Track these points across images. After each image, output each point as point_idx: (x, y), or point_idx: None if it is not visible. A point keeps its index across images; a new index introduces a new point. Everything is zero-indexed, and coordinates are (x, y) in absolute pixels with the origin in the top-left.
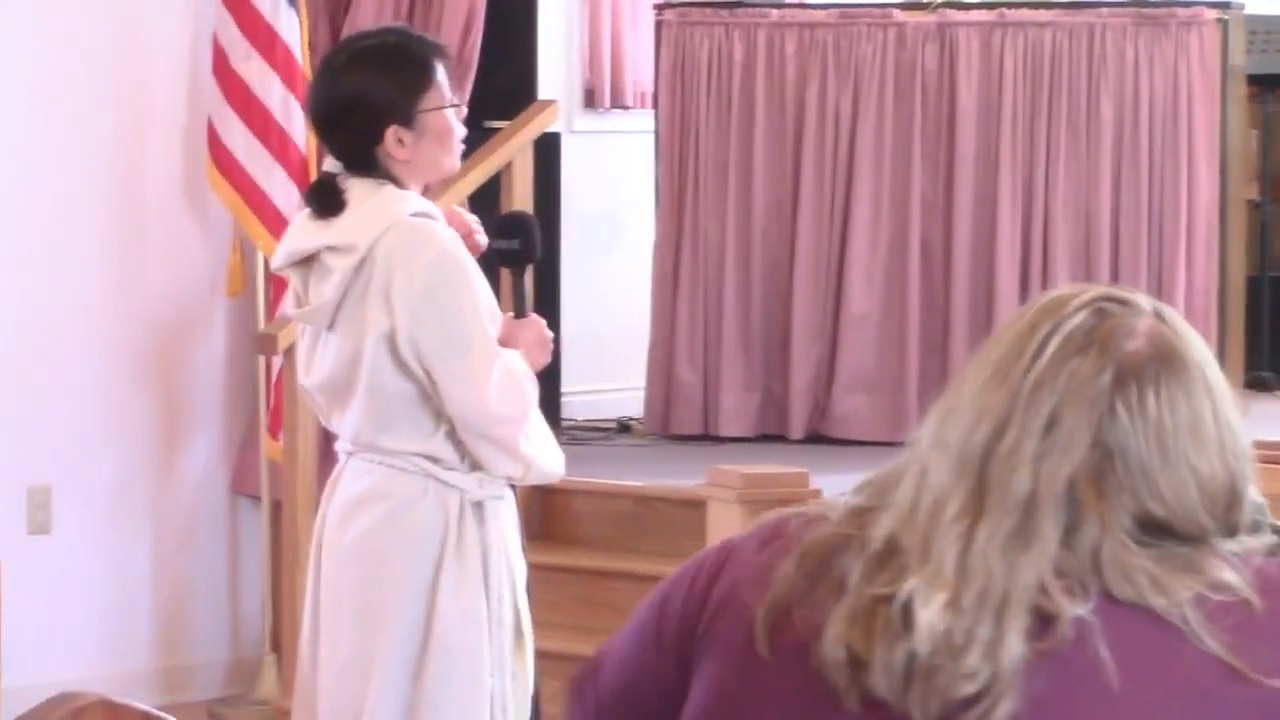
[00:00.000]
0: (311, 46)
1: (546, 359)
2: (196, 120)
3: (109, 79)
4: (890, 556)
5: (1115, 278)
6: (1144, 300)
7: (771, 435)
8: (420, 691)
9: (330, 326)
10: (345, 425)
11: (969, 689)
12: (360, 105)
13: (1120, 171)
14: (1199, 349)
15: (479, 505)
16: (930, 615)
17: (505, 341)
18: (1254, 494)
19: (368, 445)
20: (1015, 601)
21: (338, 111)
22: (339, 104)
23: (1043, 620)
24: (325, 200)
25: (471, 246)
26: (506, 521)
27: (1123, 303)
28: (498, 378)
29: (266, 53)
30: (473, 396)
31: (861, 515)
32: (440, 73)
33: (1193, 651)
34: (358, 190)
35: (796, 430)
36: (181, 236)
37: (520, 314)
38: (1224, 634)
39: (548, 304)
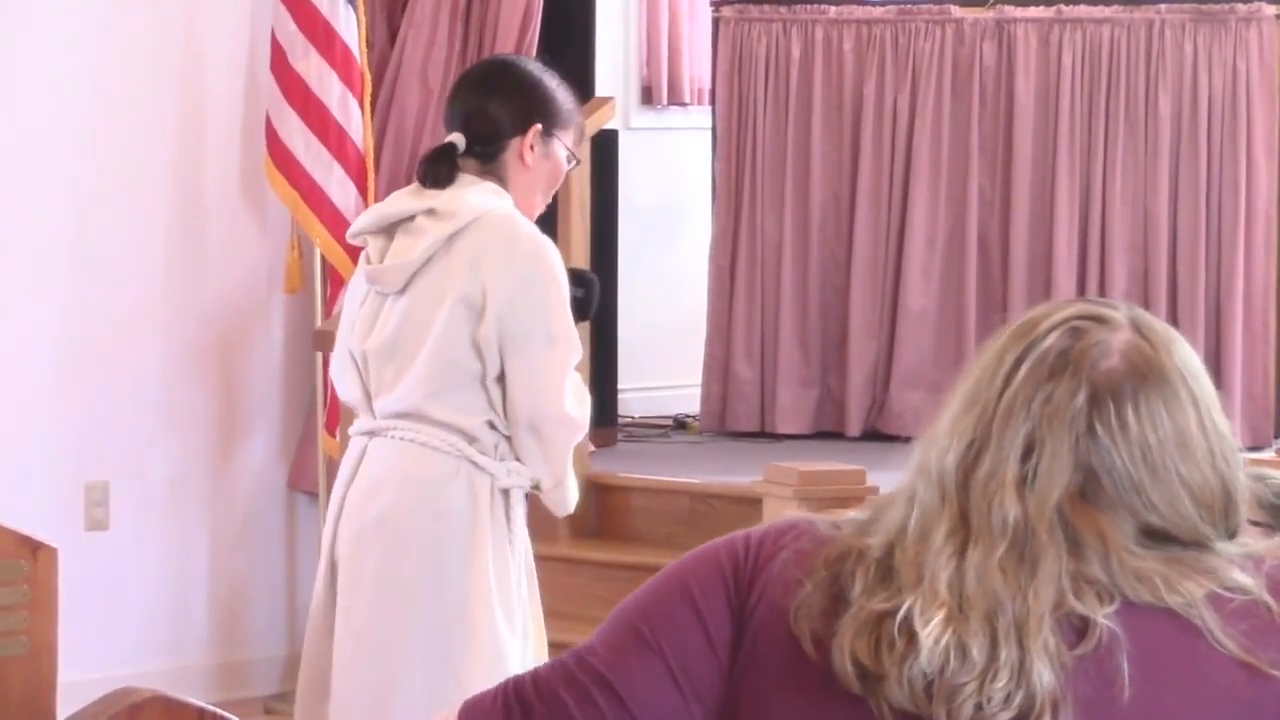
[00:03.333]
0: (369, 44)
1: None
2: (255, 118)
3: (167, 76)
4: (887, 573)
5: (1173, 274)
6: (1121, 314)
7: (828, 432)
8: (451, 675)
9: (402, 290)
10: (394, 392)
11: (1004, 716)
12: (529, 92)
13: (1178, 168)
14: (1181, 358)
15: (506, 493)
16: (930, 633)
17: None
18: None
19: (411, 412)
20: (1034, 623)
21: (510, 83)
22: (515, 78)
23: (1076, 626)
24: (440, 168)
25: None
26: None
27: (1098, 320)
28: (575, 382)
29: (325, 50)
30: (547, 389)
31: (864, 530)
32: (582, 130)
33: (1214, 653)
34: (467, 178)
35: (854, 427)
36: (239, 233)
37: None
38: (1242, 637)
39: (604, 301)
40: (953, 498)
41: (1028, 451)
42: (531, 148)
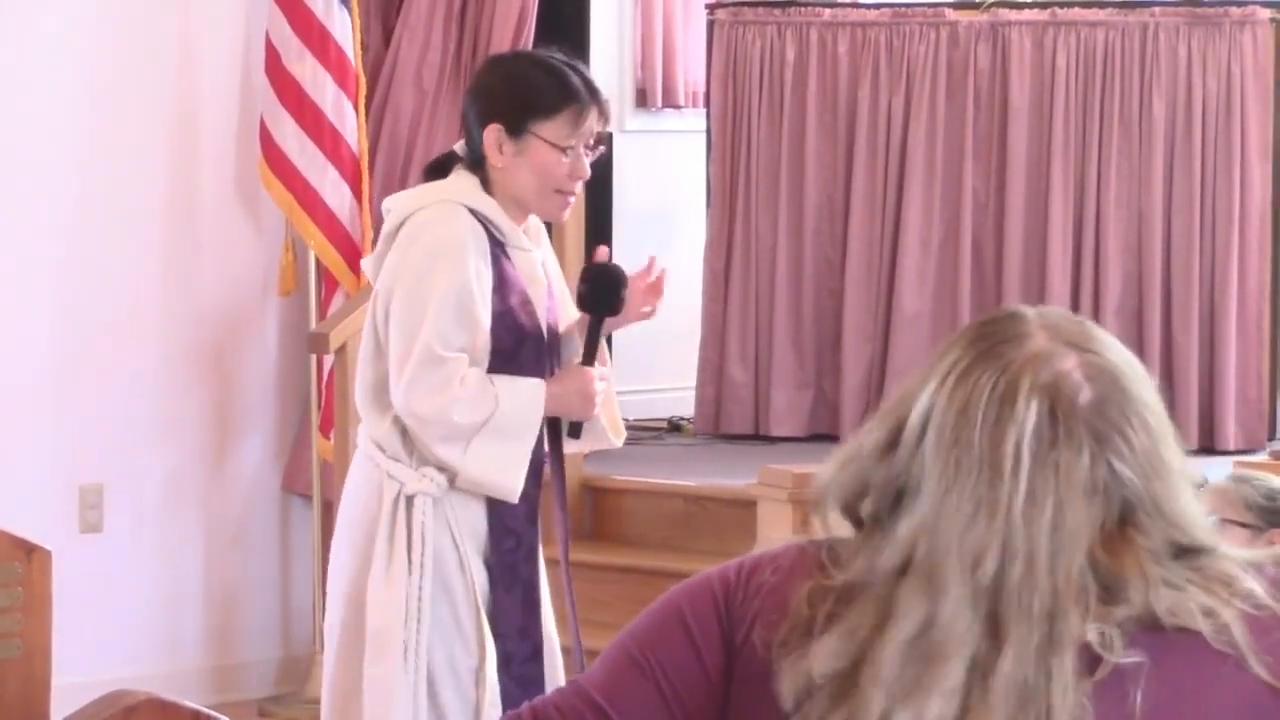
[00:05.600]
0: (364, 47)
1: (586, 412)
2: (249, 120)
3: (162, 78)
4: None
5: (1167, 276)
6: (1033, 325)
7: (823, 435)
8: (353, 674)
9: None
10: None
11: None
12: (486, 93)
13: (1172, 171)
14: (1116, 351)
15: (411, 499)
16: None
17: (554, 379)
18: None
19: (359, 412)
20: (1059, 709)
21: (472, 94)
22: (478, 82)
23: (1091, 656)
24: (432, 171)
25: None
26: (455, 522)
27: (1038, 357)
28: (430, 380)
29: (319, 53)
30: (398, 380)
31: (864, 569)
32: (579, 117)
33: (1242, 675)
34: (456, 173)
35: (848, 430)
36: (234, 236)
37: (586, 360)
38: (1266, 654)
39: None
40: (983, 606)
41: (1055, 527)
42: (500, 149)
